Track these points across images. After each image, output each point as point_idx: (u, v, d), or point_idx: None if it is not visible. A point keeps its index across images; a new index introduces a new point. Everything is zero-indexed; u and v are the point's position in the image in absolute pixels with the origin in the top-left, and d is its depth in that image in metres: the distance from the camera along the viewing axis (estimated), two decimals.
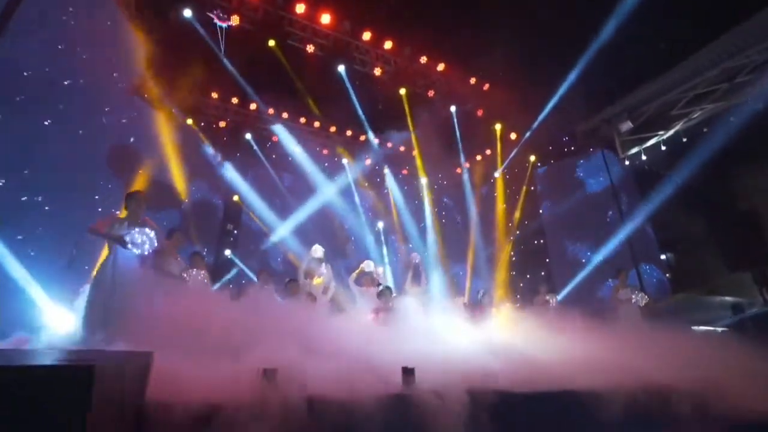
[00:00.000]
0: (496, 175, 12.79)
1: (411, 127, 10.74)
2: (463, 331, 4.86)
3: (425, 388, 2.53)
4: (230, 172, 10.75)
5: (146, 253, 3.88)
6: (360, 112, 10.47)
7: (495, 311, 7.12)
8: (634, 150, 8.79)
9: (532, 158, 11.80)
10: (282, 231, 10.79)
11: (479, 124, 11.55)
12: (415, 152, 13.27)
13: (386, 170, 13.24)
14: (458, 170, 13.92)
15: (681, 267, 10.05)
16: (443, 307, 6.85)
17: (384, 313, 5.47)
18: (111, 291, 3.68)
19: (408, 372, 2.74)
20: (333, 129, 11.79)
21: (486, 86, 11.06)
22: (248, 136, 11.33)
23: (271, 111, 10.94)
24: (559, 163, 11.11)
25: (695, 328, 6.95)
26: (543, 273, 10.22)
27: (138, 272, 3.85)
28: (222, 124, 11.21)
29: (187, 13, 7.89)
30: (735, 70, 7.31)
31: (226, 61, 8.76)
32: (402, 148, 13.11)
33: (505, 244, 11.29)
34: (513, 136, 12.10)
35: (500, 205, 11.96)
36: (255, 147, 11.36)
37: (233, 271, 10.32)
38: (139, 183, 8.58)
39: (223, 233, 11.06)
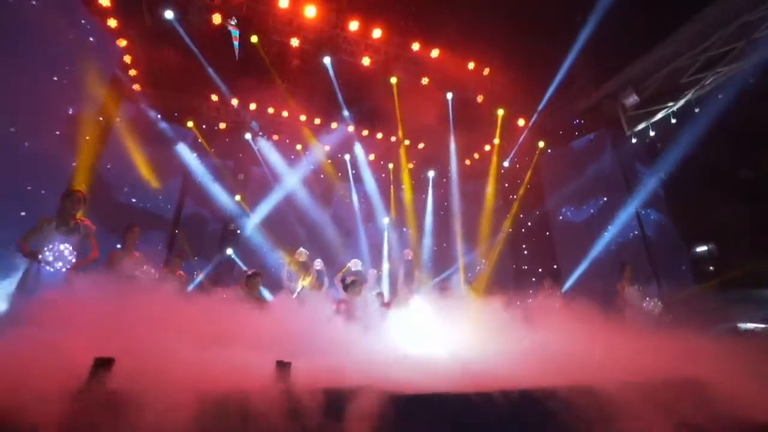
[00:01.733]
0: (506, 164, 12.18)
1: (399, 118, 10.37)
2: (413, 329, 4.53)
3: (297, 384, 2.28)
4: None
5: (62, 270, 3.85)
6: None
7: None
8: (641, 126, 7.94)
9: (541, 144, 11.08)
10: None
11: (478, 112, 11.00)
12: (421, 145, 13.04)
13: (390, 165, 12.97)
14: (467, 162, 13.48)
15: (720, 259, 8.99)
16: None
17: (345, 305, 5.20)
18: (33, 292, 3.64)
19: (282, 366, 2.47)
20: (318, 121, 11.64)
21: (486, 70, 10.54)
22: (247, 136, 11.45)
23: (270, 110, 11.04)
24: (564, 146, 10.33)
25: (742, 325, 6.22)
26: (548, 264, 9.51)
27: (62, 275, 3.82)
28: (222, 125, 11.38)
29: (169, 14, 8.02)
30: (754, 25, 6.39)
31: (203, 60, 8.81)
32: (407, 142, 12.81)
33: (503, 234, 10.66)
34: (521, 122, 11.49)
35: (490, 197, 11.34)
36: (254, 147, 11.46)
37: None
38: None
39: (225, 234, 11.20)
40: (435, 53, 9.96)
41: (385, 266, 10.43)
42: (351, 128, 11.89)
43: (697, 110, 7.23)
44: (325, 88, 10.25)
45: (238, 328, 2.87)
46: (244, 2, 8.51)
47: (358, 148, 12.29)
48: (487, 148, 12.78)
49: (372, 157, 12.78)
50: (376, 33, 9.34)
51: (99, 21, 8.36)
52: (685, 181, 7.20)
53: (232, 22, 8.60)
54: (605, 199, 8.64)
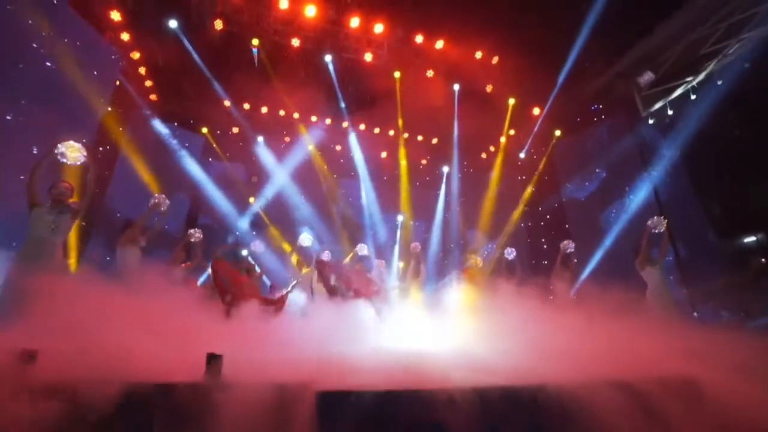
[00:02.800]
0: (522, 155, 11.72)
1: (399, 113, 10.20)
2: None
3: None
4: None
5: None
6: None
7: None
8: (658, 105, 7.31)
9: (558, 133, 10.55)
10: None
11: (490, 103, 10.63)
12: (435, 140, 12.80)
13: (403, 161, 12.80)
14: (483, 155, 13.09)
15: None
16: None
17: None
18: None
19: (213, 359, 2.38)
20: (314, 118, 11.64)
21: (495, 59, 10.17)
22: (260, 139, 11.66)
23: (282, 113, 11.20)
24: (579, 133, 9.76)
25: None
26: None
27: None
28: (235, 130, 11.66)
29: (173, 24, 8.29)
30: None
31: (203, 65, 9.02)
32: (420, 137, 12.62)
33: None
34: (536, 110, 11.00)
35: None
36: (268, 150, 11.65)
37: None
38: None
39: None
40: (440, 44, 9.74)
41: (395, 260, 10.23)
42: (362, 126, 11.90)
43: (720, 82, 6.57)
44: (330, 87, 10.27)
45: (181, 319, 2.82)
46: (244, 6, 8.66)
47: (368, 146, 12.24)
48: (503, 140, 12.37)
49: (384, 154, 12.69)
50: (378, 28, 9.27)
51: (111, 36, 8.76)
52: (709, 161, 6.55)
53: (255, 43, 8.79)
54: (625, 186, 8.04)
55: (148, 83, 10.23)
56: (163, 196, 5.48)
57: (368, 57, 9.45)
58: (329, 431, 2.10)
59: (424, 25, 9.58)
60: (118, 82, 9.16)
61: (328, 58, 9.27)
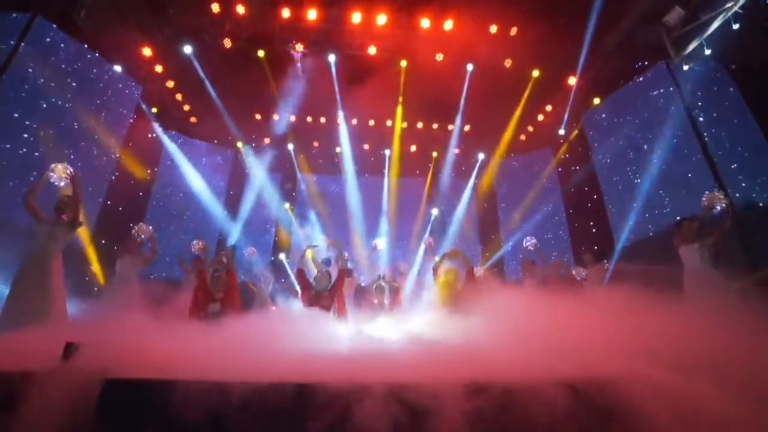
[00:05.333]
0: (561, 131, 10.52)
1: (401, 102, 9.77)
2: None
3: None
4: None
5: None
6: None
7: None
8: (693, 45, 5.88)
9: (597, 101, 9.24)
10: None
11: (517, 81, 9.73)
12: (467, 127, 12.11)
13: (434, 153, 12.33)
14: (522, 137, 12.04)
15: None
16: None
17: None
18: None
19: (70, 349, 2.43)
20: (355, 121, 11.61)
21: (514, 30, 9.27)
22: (290, 146, 12.11)
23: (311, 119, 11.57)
24: (610, 96, 8.37)
25: None
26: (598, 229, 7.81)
27: None
28: (266, 140, 12.26)
29: (188, 49, 8.98)
30: None
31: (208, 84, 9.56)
32: (450, 127, 12.04)
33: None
34: (572, 80, 9.77)
35: None
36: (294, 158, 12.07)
37: None
38: None
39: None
40: (449, 25, 9.18)
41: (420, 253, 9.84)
42: (389, 123, 11.72)
43: None
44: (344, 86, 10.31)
45: None
46: (250, 21, 9.06)
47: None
48: (540, 117, 11.25)
49: (413, 147, 12.34)
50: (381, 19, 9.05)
51: (146, 69, 9.77)
52: None
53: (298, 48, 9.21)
54: (665, 148, 6.63)
55: (186, 107, 11.26)
56: (144, 225, 6.07)
57: (372, 50, 9.26)
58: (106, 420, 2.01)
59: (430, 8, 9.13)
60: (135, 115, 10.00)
61: (331, 58, 9.27)
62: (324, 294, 4.96)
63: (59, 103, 7.20)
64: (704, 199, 5.14)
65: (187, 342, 2.80)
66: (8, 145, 6.70)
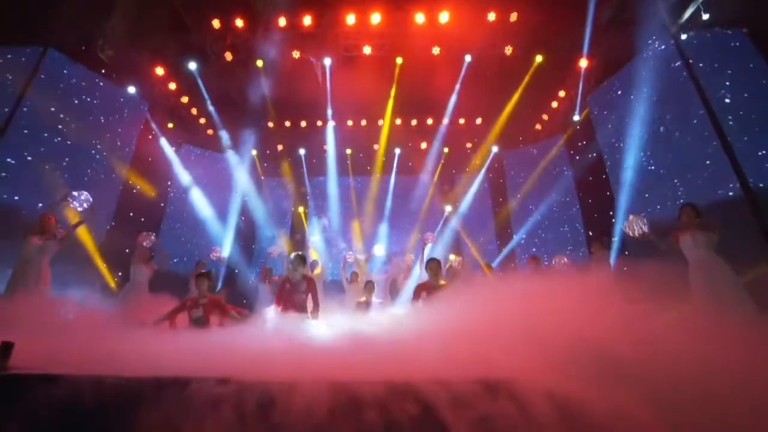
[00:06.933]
0: (576, 117, 9.91)
1: (392, 99, 9.58)
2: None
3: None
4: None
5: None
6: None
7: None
8: (690, 11, 5.22)
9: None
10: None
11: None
12: (479, 120, 11.73)
13: (446, 149, 12.05)
14: (537, 126, 11.51)
15: None
16: None
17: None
18: None
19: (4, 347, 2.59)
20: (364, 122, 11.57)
21: (514, 15, 8.84)
22: (302, 151, 12.33)
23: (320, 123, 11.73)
24: (614, 76, 7.68)
25: None
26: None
27: None
28: (280, 147, 12.54)
29: (192, 66, 9.37)
30: None
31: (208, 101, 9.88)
32: (461, 120, 11.73)
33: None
34: (583, 62, 9.14)
35: None
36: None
37: None
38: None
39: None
40: (445, 17, 8.91)
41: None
42: (398, 121, 11.62)
43: None
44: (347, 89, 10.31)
45: None
46: (247, 33, 9.28)
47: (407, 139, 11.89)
48: (555, 104, 10.67)
49: (424, 145, 12.13)
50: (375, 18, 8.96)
51: (160, 89, 10.31)
52: None
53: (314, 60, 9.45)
54: (674, 124, 5.94)
55: (202, 120, 11.78)
56: (147, 233, 6.51)
57: (367, 50, 9.19)
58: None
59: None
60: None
61: (327, 60, 9.32)
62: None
63: (72, 125, 7.75)
64: (625, 222, 5.02)
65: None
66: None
